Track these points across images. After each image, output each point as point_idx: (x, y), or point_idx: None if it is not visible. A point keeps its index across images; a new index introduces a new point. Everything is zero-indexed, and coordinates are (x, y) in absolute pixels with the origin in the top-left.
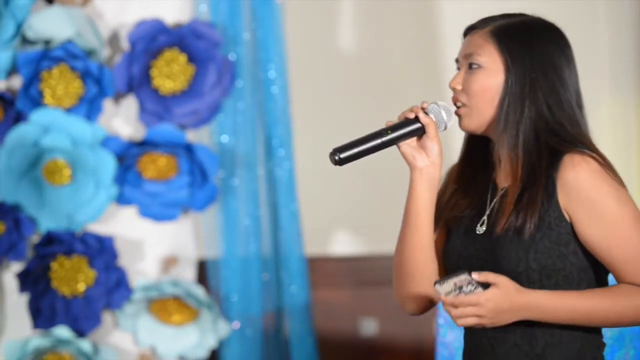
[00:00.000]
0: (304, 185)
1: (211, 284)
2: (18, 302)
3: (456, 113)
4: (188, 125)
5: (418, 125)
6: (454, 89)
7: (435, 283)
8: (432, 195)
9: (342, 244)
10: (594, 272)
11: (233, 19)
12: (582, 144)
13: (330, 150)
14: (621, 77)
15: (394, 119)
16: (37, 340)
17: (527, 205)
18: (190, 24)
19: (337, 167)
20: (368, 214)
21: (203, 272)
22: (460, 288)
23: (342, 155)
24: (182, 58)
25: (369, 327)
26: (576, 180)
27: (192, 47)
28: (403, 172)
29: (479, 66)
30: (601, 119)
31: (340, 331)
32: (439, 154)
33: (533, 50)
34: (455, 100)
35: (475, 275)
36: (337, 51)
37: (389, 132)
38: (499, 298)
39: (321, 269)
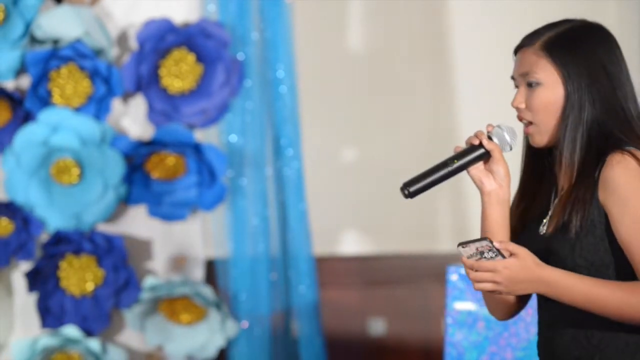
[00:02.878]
0: (313, 184)
1: (220, 284)
2: (27, 302)
3: (525, 131)
4: (196, 124)
5: (482, 150)
6: (517, 108)
7: (458, 245)
8: (504, 216)
9: (351, 244)
10: None
11: (242, 19)
12: (633, 142)
13: (401, 185)
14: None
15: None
16: (46, 339)
17: (573, 204)
18: (198, 24)
19: (345, 166)
20: (376, 214)
21: (212, 271)
22: (482, 253)
23: (412, 189)
24: (191, 57)
25: (378, 327)
26: (612, 177)
27: (201, 47)
28: (412, 172)
29: (538, 83)
30: None
31: (349, 331)
32: (506, 175)
33: (584, 57)
34: (520, 119)
35: (496, 243)
36: (345, 51)
37: (455, 160)
38: (516, 268)
39: (330, 269)
